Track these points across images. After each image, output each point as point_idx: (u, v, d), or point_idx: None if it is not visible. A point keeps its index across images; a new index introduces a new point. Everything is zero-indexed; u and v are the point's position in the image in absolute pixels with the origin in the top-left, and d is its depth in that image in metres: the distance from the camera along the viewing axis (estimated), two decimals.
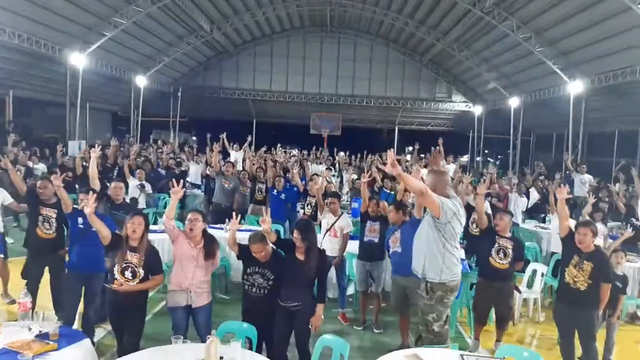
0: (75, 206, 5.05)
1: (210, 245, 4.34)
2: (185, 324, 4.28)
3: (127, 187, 8.78)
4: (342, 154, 17.20)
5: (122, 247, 4.08)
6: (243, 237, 4.83)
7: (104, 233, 4.15)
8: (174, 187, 4.31)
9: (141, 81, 22.31)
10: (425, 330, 4.24)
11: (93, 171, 5.51)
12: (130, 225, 4.07)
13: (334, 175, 13.09)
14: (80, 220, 4.87)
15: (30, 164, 11.12)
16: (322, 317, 4.38)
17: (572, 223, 5.02)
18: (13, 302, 6.02)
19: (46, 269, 5.36)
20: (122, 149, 13.49)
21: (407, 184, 3.98)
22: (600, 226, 7.50)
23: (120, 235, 4.15)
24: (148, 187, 9.79)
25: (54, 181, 4.88)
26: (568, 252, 4.73)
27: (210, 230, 4.62)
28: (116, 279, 4.03)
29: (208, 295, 4.38)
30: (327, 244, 6.09)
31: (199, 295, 4.26)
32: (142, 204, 9.48)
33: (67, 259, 5.51)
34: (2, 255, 4.53)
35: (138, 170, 10.05)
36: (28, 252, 5.54)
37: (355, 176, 11.59)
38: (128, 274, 4.03)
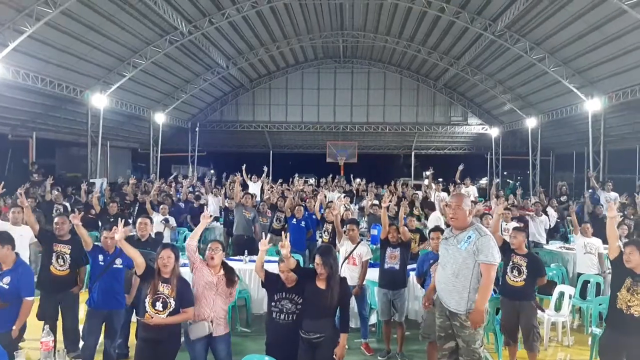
0: (96, 243, 5.10)
1: (230, 274, 4.37)
2: (204, 355, 4.26)
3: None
4: (357, 180, 17.17)
5: (154, 278, 4.09)
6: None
7: (138, 261, 4.19)
8: (204, 215, 4.64)
9: (160, 118, 22.81)
10: None
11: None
12: (160, 259, 4.09)
13: (351, 202, 13.06)
14: (100, 257, 4.96)
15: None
16: (346, 347, 4.29)
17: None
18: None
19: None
20: (138, 186, 13.69)
21: None
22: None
23: (153, 267, 4.18)
24: (172, 222, 9.94)
25: (73, 220, 4.97)
26: (619, 274, 4.39)
27: (230, 263, 4.62)
28: (147, 311, 4.01)
29: (227, 326, 4.40)
30: (347, 272, 5.98)
31: (219, 325, 4.27)
32: (166, 238, 9.59)
33: (79, 296, 5.54)
34: (32, 298, 4.57)
35: (162, 206, 10.25)
36: (41, 292, 5.48)
37: (377, 202, 11.55)
38: (159, 305, 4.01)
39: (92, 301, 4.90)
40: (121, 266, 4.99)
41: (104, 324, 4.94)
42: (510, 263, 5.46)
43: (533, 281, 5.38)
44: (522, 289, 5.34)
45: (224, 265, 4.43)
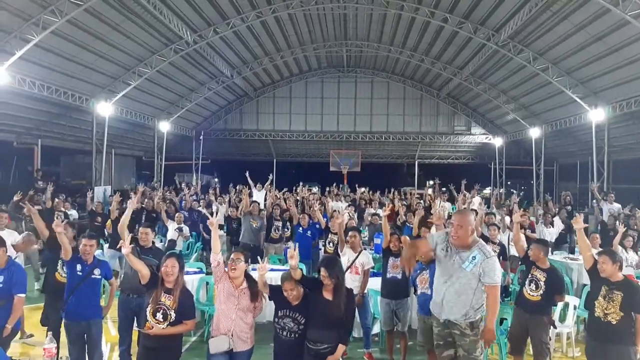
0: (77, 254, 4.94)
1: (254, 287, 4.24)
2: None
3: (154, 230, 8.94)
4: (362, 189, 17.16)
5: (157, 287, 4.07)
6: (268, 277, 4.77)
7: (144, 272, 4.18)
8: (210, 222, 4.46)
9: (164, 126, 22.92)
10: None
11: (125, 219, 5.28)
12: (164, 268, 4.07)
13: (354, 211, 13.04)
14: (78, 267, 4.81)
15: (63, 210, 11.42)
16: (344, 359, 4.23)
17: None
18: (31, 335, 6.10)
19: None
20: (145, 193, 13.76)
21: None
22: (631, 254, 7.27)
23: (158, 275, 4.14)
24: (186, 230, 10.04)
25: (55, 228, 4.85)
26: (595, 283, 4.54)
27: None
28: (147, 321, 4.00)
29: (251, 341, 4.24)
30: (349, 282, 5.95)
31: (241, 340, 4.13)
32: (179, 246, 9.64)
33: None
34: (23, 295, 4.66)
35: (177, 214, 10.34)
36: (46, 297, 5.60)
37: (379, 210, 11.53)
38: (159, 315, 3.99)
39: (69, 312, 4.76)
40: (99, 277, 4.88)
41: (84, 335, 4.80)
42: (530, 275, 5.28)
43: (550, 297, 5.22)
44: (537, 304, 5.19)
45: (248, 277, 4.29)
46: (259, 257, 4.49)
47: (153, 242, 5.93)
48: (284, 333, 4.17)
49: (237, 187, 15.74)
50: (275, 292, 4.26)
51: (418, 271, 5.36)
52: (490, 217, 9.02)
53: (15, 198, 10.52)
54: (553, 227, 10.36)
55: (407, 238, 6.07)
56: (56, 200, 11.16)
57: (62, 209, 10.91)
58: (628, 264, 6.78)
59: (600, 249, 7.51)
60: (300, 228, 9.16)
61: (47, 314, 5.44)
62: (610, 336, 4.30)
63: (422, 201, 14.20)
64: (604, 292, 4.39)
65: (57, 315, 5.29)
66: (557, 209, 11.96)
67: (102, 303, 5.29)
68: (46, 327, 5.27)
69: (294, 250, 4.28)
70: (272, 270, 5.89)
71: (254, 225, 9.40)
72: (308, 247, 8.96)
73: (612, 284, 4.36)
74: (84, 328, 4.76)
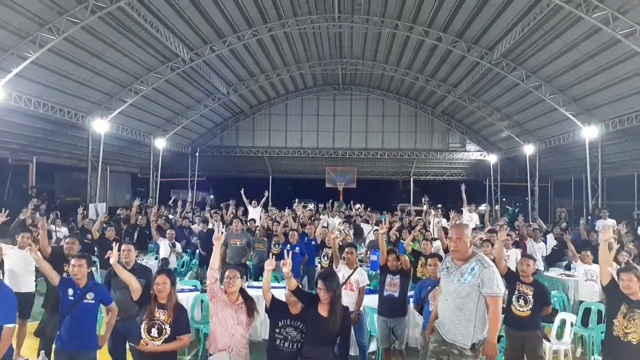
0: (65, 277, 4.71)
1: (250, 302, 4.29)
2: None
3: (141, 247, 8.80)
4: (357, 205, 17.18)
5: (150, 304, 4.04)
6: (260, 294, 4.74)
7: (135, 286, 4.16)
8: (216, 236, 4.45)
9: (160, 143, 22.92)
10: None
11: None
12: (156, 285, 4.05)
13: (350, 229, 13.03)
14: (70, 291, 4.42)
15: (53, 227, 11.32)
16: None
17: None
18: None
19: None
20: (141, 208, 13.73)
21: None
22: None
23: (150, 292, 4.11)
24: (178, 247, 9.96)
25: (31, 254, 4.64)
26: (614, 301, 4.30)
27: None
28: (142, 338, 3.95)
29: (247, 356, 4.24)
30: (344, 298, 5.90)
31: (239, 356, 4.13)
32: (173, 263, 9.56)
33: None
34: (13, 324, 4.18)
35: (169, 231, 10.28)
36: (46, 312, 5.56)
37: (375, 227, 11.52)
38: (154, 331, 3.95)
39: (59, 339, 4.35)
40: (93, 301, 4.43)
41: None
42: (516, 292, 5.26)
43: (539, 310, 5.23)
44: (528, 319, 5.18)
45: (242, 293, 4.32)
46: (271, 260, 4.51)
47: (135, 261, 5.77)
48: (286, 344, 4.11)
49: (230, 202, 15.72)
50: (276, 303, 4.26)
51: (429, 288, 5.33)
52: (493, 236, 8.99)
53: (21, 217, 10.20)
54: (546, 243, 10.35)
55: (407, 257, 6.05)
56: (37, 217, 11.09)
57: (47, 227, 10.84)
58: None
59: (593, 264, 7.55)
60: (289, 245, 9.11)
61: (44, 327, 5.41)
62: (631, 356, 4.10)
63: (421, 218, 14.19)
64: (624, 311, 4.17)
65: (55, 330, 5.19)
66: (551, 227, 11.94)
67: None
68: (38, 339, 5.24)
69: (288, 258, 4.27)
70: (274, 288, 5.84)
71: (236, 244, 9.33)
72: (296, 265, 8.89)
73: (633, 302, 4.16)
74: (72, 358, 4.31)
